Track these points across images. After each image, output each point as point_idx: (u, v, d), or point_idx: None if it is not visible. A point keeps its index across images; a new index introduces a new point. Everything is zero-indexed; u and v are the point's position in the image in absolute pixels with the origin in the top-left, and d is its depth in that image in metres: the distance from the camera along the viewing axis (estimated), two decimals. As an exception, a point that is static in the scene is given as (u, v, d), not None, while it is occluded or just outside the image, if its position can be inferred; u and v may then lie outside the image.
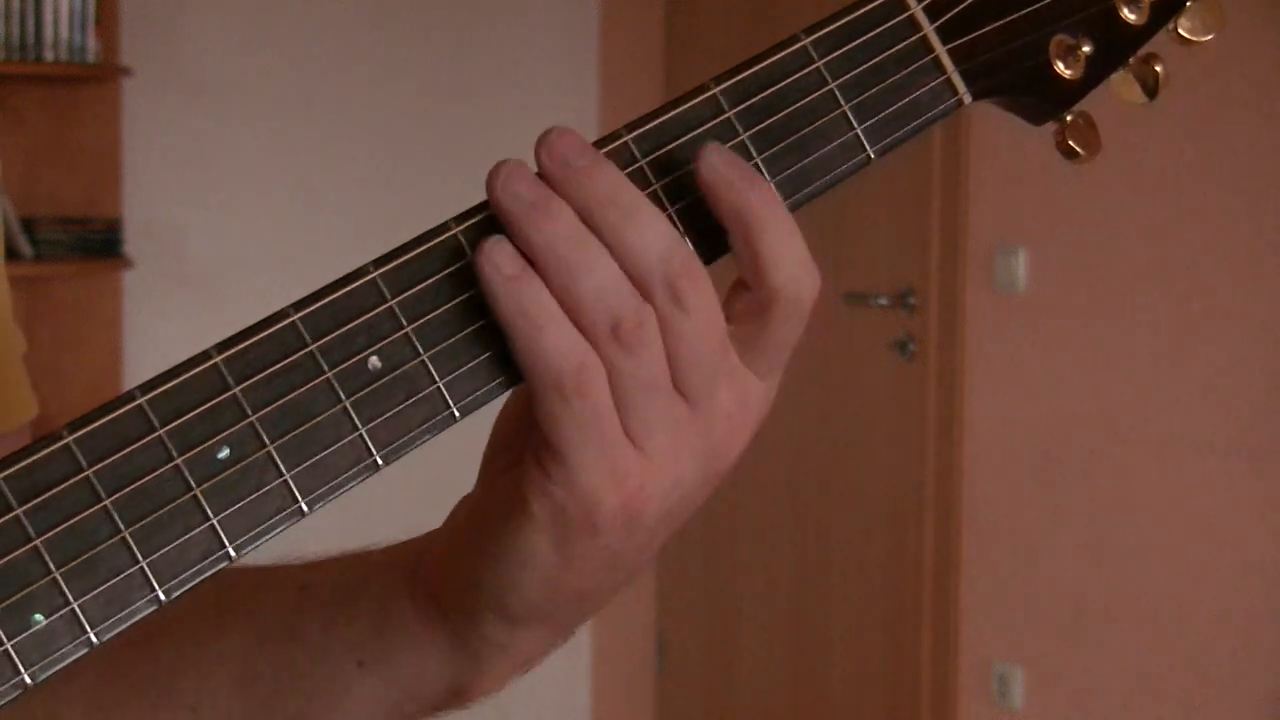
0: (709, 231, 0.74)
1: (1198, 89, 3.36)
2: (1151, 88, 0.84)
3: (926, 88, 0.79)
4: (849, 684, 4.01)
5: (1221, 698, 3.47)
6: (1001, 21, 0.81)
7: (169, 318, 3.87)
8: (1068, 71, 0.82)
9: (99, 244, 3.69)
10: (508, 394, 0.73)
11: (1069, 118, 0.85)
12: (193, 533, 0.68)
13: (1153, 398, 3.55)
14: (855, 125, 0.78)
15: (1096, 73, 0.83)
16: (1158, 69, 0.84)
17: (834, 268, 3.97)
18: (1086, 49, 0.82)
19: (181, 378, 0.69)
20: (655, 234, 0.69)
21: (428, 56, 4.17)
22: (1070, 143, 0.85)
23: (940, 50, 0.80)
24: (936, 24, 0.80)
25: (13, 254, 3.57)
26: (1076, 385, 3.66)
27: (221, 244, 3.95)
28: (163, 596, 0.67)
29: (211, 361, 0.69)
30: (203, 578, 0.68)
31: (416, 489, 4.07)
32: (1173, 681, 3.52)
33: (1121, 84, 0.85)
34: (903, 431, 3.88)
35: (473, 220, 0.74)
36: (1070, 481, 3.67)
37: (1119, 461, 3.59)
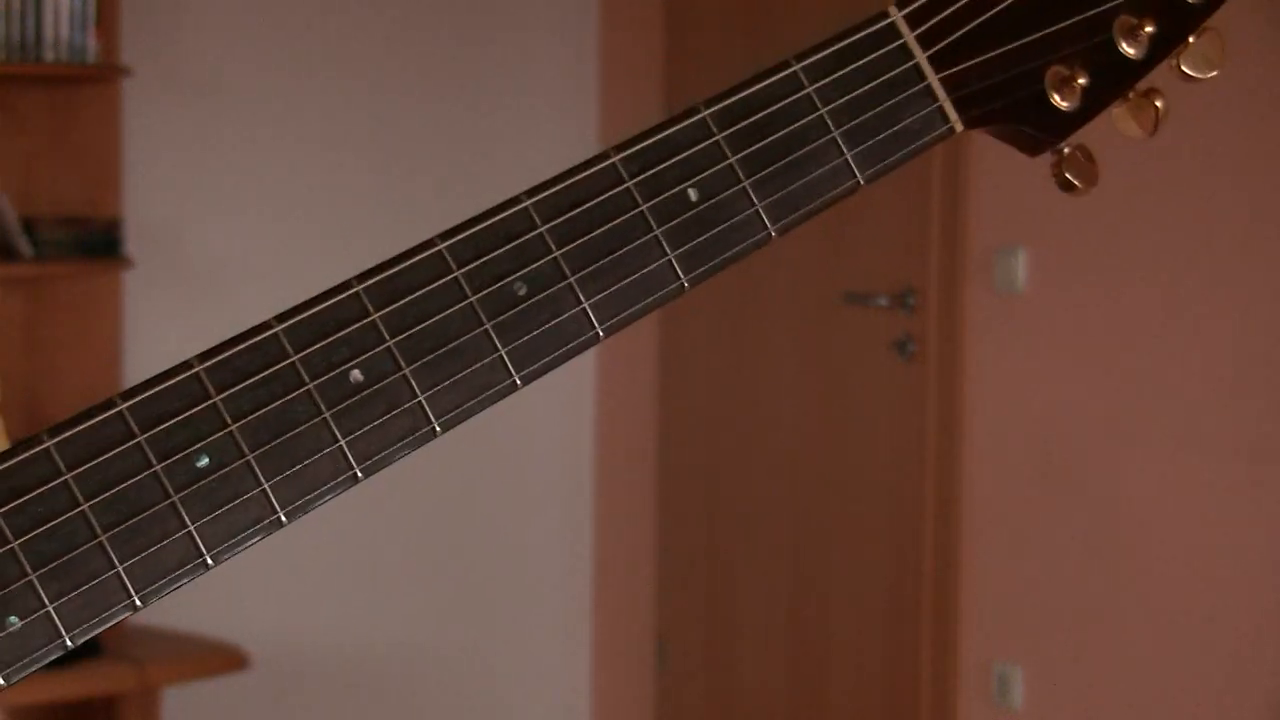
0: (694, 252, 0.77)
1: (1198, 89, 3.36)
2: (1151, 123, 0.84)
3: (917, 115, 0.80)
4: (849, 684, 4.01)
5: (1222, 697, 3.47)
6: (996, 51, 0.81)
7: (169, 318, 3.87)
8: (1064, 103, 0.81)
9: (99, 244, 3.69)
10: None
11: (1066, 150, 0.84)
12: (170, 539, 0.68)
13: (1153, 398, 3.55)
14: (845, 151, 0.79)
15: (1094, 104, 0.83)
16: (1158, 104, 0.83)
17: (834, 268, 3.97)
18: (1082, 81, 0.81)
19: (162, 385, 0.70)
20: None
21: (428, 57, 4.16)
22: (1067, 175, 0.84)
23: (932, 78, 0.80)
24: (929, 52, 0.80)
25: (13, 254, 3.57)
26: (1076, 385, 3.66)
27: (221, 244, 3.95)
28: (139, 602, 0.68)
29: (193, 370, 0.70)
30: (179, 584, 0.68)
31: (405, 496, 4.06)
32: (1173, 681, 3.52)
33: (1120, 118, 0.84)
34: (903, 431, 3.88)
35: (458, 237, 0.75)
36: (1070, 481, 3.67)
37: (1119, 461, 3.59)
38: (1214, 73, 0.83)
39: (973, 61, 0.81)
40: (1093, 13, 0.81)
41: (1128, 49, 0.81)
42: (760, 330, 4.14)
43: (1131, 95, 0.83)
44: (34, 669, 0.66)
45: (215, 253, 3.95)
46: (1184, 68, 0.83)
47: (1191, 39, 0.83)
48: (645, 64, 4.38)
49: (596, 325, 0.75)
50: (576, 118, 4.31)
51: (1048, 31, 0.81)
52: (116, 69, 3.67)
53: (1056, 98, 0.81)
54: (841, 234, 3.94)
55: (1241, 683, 3.44)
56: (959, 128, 0.81)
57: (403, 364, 0.71)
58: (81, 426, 0.68)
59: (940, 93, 0.80)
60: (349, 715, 4.15)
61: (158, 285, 3.84)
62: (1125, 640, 3.59)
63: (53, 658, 0.66)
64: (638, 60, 4.38)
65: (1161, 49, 0.82)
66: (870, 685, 3.97)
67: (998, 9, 0.80)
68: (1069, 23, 0.81)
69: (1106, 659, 3.62)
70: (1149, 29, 0.81)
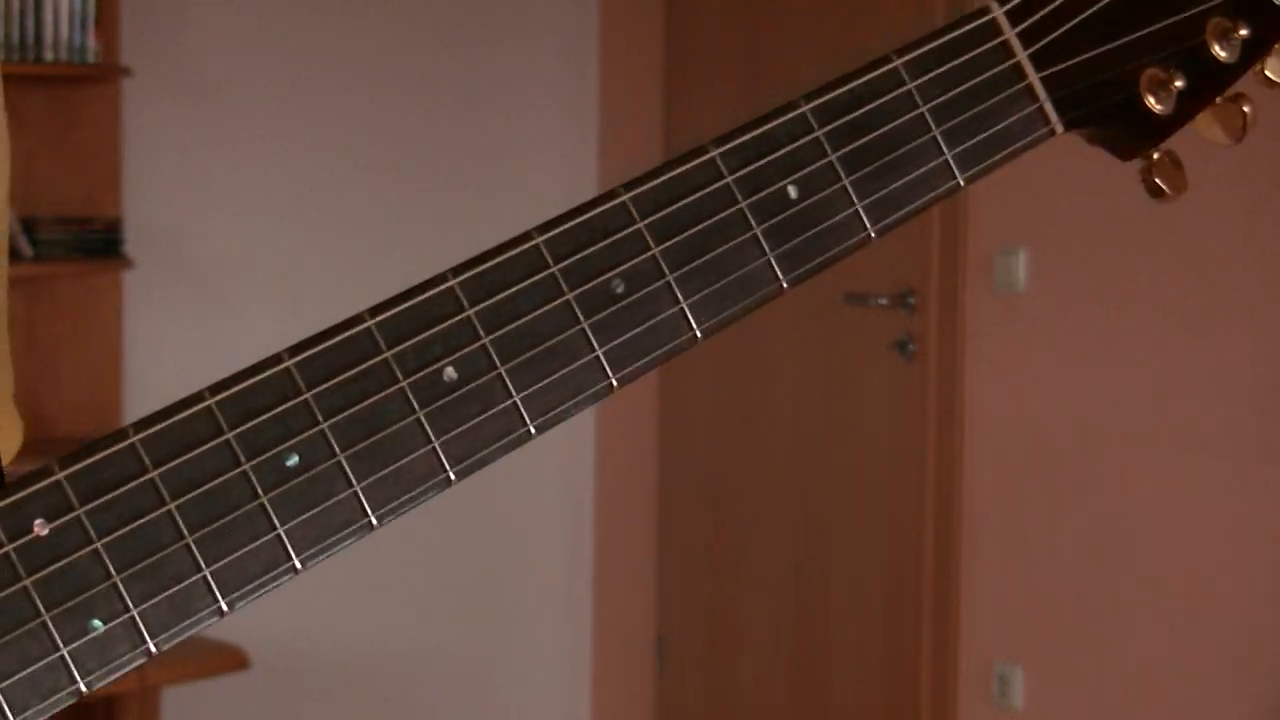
0: (793, 252, 0.75)
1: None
2: (1239, 129, 0.82)
3: (1018, 115, 0.78)
4: (849, 684, 4.01)
5: (1222, 697, 3.47)
6: (1095, 52, 0.79)
7: (169, 318, 3.87)
8: (1158, 106, 0.80)
9: (99, 244, 3.69)
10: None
11: (1156, 155, 0.83)
12: (258, 542, 0.65)
13: (1153, 398, 3.55)
14: (945, 151, 0.78)
15: (1187, 109, 0.81)
16: (1245, 110, 0.82)
17: (834, 268, 3.96)
18: (1179, 84, 0.80)
19: (252, 380, 0.66)
20: None
21: (427, 60, 4.16)
22: (1157, 180, 0.84)
23: (1033, 77, 0.79)
24: (1029, 50, 0.78)
25: (13, 254, 3.57)
26: (1077, 385, 3.66)
27: (221, 244, 3.95)
28: (225, 607, 0.65)
29: (283, 365, 0.67)
30: (267, 589, 0.66)
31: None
32: (1173, 681, 3.52)
33: (1206, 124, 0.82)
34: (903, 431, 3.88)
35: (554, 231, 0.72)
36: (1070, 481, 3.67)
37: (1119, 461, 3.59)
38: None
39: (1072, 61, 0.79)
40: (1187, 14, 0.79)
41: (1220, 52, 0.79)
42: (761, 330, 4.14)
43: (1219, 101, 0.82)
44: (115, 676, 0.64)
45: (215, 253, 3.95)
46: (1268, 73, 0.81)
47: (1277, 45, 0.81)
48: (646, 69, 4.38)
49: (695, 326, 0.73)
50: (576, 118, 4.31)
51: (1144, 33, 0.79)
52: (116, 69, 3.67)
53: (1151, 101, 0.80)
54: (841, 234, 3.93)
55: (1241, 682, 3.44)
56: (1059, 129, 0.79)
57: (498, 363, 0.68)
58: (168, 422, 0.65)
59: (1041, 93, 0.79)
60: (349, 716, 4.14)
61: (158, 285, 3.84)
62: (1125, 641, 3.59)
63: (136, 665, 0.64)
64: (638, 65, 4.38)
65: (1252, 53, 0.80)
66: (870, 685, 3.97)
67: (1096, 7, 0.79)
68: (1164, 24, 0.79)
69: (1106, 659, 3.62)
70: (1242, 32, 0.79)
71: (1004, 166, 0.78)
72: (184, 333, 3.83)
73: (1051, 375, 3.70)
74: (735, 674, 4.27)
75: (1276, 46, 0.80)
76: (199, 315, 3.88)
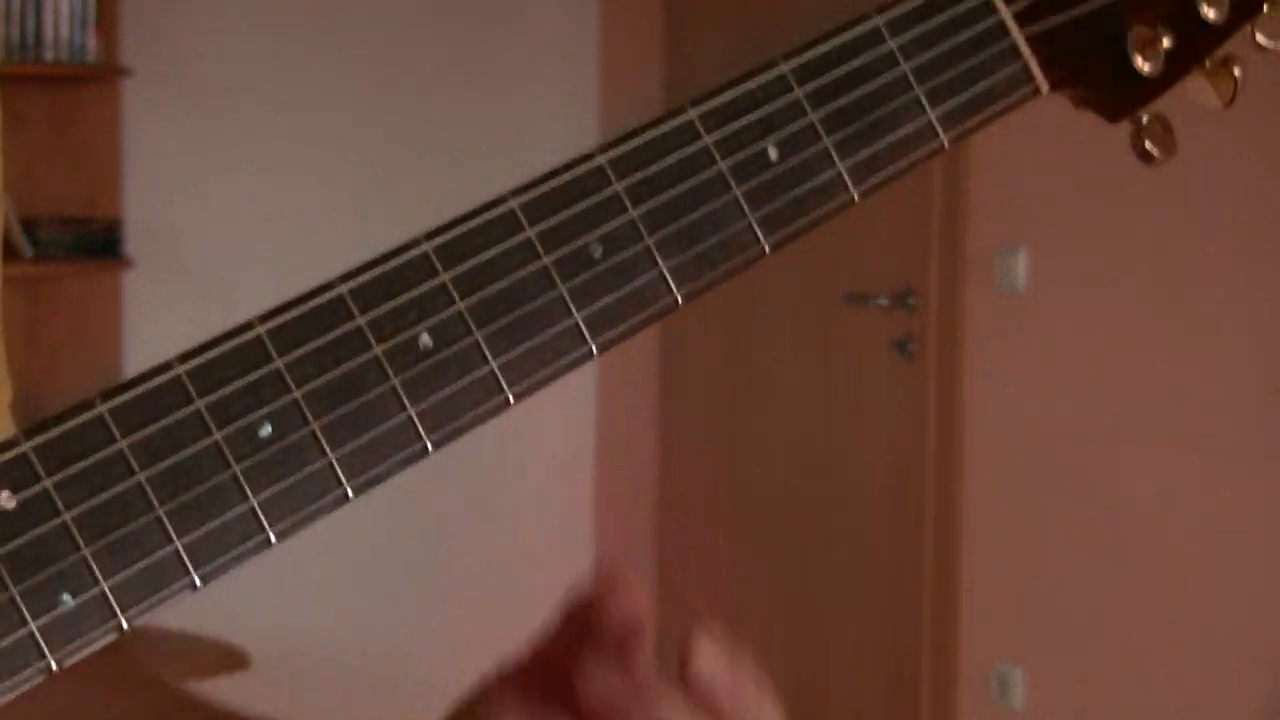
0: (775, 215, 0.73)
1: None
2: (1229, 93, 0.80)
3: (1003, 74, 0.76)
4: (849, 684, 4.01)
5: (1221, 697, 3.47)
6: (1082, 9, 0.77)
7: (169, 318, 3.86)
8: (1146, 66, 0.78)
9: (99, 244, 3.69)
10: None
11: (1145, 119, 0.81)
12: (231, 514, 0.63)
13: (1152, 398, 3.55)
14: (929, 110, 0.75)
15: (1175, 70, 0.79)
16: (1235, 72, 0.80)
17: (834, 268, 3.97)
18: (1166, 43, 0.78)
19: (222, 349, 0.65)
20: None
21: (427, 59, 4.16)
22: (1146, 144, 0.82)
23: (1017, 35, 0.77)
24: (1014, 7, 0.77)
25: (13, 254, 3.57)
26: (1076, 385, 3.66)
27: (221, 244, 3.95)
28: (198, 581, 0.63)
29: (254, 332, 0.65)
30: (240, 562, 0.64)
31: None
32: (1172, 681, 3.52)
33: (1197, 87, 0.80)
34: (903, 431, 3.88)
35: (531, 195, 0.70)
36: (1070, 481, 3.67)
37: (1119, 461, 3.59)
38: None
39: (1058, 19, 0.77)
40: None
41: (1207, 10, 0.78)
42: (761, 330, 4.14)
43: (1208, 63, 0.80)
44: (86, 652, 0.61)
45: (215, 253, 3.95)
46: (1259, 36, 0.79)
47: (1267, 6, 0.79)
48: (645, 63, 4.38)
49: (675, 290, 0.70)
50: (576, 119, 4.31)
51: None
52: (116, 69, 3.67)
53: (1139, 60, 0.78)
54: (841, 234, 3.93)
55: (1241, 682, 3.44)
56: (1044, 89, 0.77)
57: (474, 328, 0.66)
58: (136, 391, 0.63)
59: (1025, 50, 0.76)
60: (349, 715, 4.14)
61: (158, 285, 3.84)
62: (1125, 640, 3.59)
63: (106, 640, 0.62)
64: (638, 59, 4.38)
65: (1240, 13, 0.79)
66: (870, 685, 3.97)
67: None
68: None
69: (1106, 659, 3.62)
70: None
71: (990, 126, 0.77)
72: (184, 333, 3.81)
73: (1051, 375, 3.70)
74: (735, 674, 4.27)
75: (1265, 10, 0.79)
76: (199, 315, 3.88)
